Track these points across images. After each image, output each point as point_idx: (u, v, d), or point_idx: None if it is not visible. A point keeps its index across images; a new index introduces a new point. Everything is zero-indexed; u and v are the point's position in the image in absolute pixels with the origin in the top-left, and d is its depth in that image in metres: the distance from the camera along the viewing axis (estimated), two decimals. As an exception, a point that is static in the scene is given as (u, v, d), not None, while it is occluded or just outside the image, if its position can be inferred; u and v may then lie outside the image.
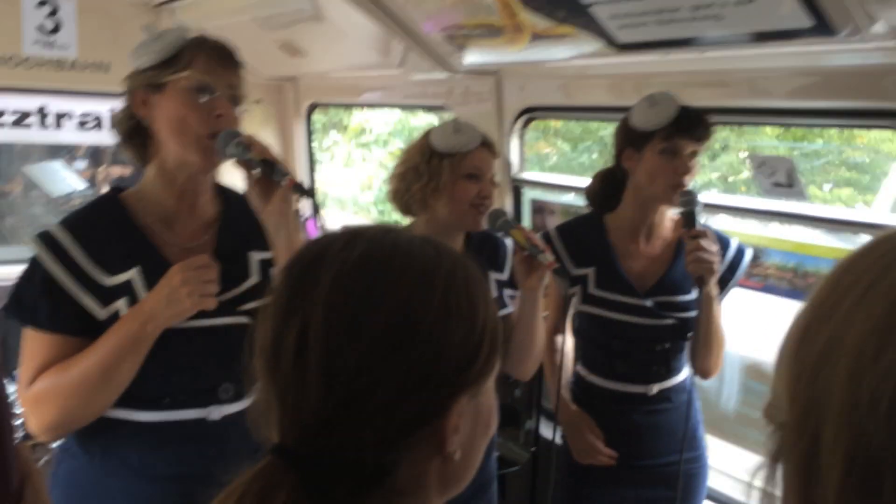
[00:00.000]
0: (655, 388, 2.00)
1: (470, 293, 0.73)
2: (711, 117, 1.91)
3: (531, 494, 2.64)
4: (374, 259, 0.71)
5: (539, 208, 2.90)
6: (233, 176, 1.53)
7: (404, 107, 3.66)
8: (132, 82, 1.48)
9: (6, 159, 4.79)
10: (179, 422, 1.44)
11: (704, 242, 1.82)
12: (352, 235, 0.73)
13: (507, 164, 2.82)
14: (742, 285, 2.26)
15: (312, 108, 3.90)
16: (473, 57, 2.57)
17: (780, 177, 1.93)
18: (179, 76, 1.43)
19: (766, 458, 0.53)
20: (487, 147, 1.86)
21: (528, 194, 2.92)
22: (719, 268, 1.86)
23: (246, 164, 1.45)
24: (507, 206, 2.88)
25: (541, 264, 1.74)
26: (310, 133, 3.95)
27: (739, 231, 2.28)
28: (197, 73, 1.43)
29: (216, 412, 1.47)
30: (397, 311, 0.69)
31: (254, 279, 1.54)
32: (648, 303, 1.96)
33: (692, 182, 1.91)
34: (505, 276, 1.93)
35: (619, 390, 2.03)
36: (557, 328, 2.13)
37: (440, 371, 0.69)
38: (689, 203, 1.87)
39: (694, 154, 1.90)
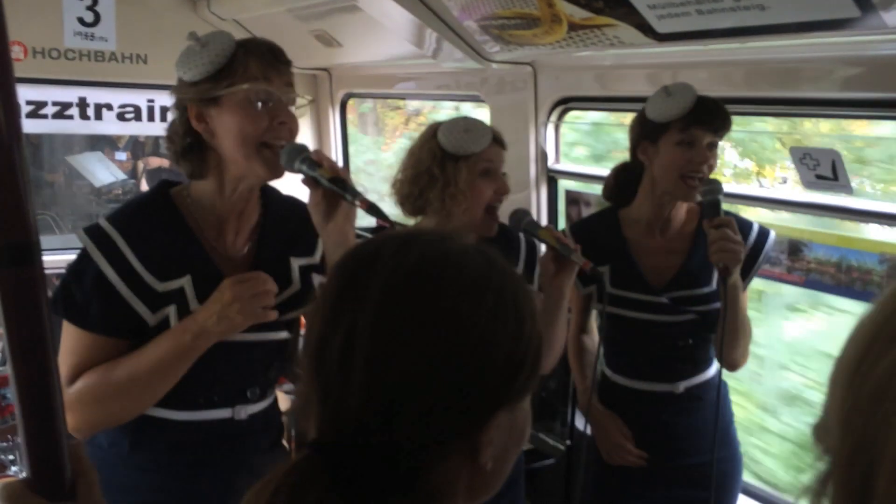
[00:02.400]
0: (682, 387, 1.96)
1: (518, 308, 0.72)
2: (751, 108, 1.86)
3: (566, 488, 2.62)
4: (426, 267, 0.70)
5: (574, 199, 2.87)
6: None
7: (439, 98, 3.64)
8: (183, 95, 1.42)
9: (49, 150, 4.89)
10: (209, 421, 1.48)
11: (728, 231, 1.77)
12: (405, 240, 0.73)
13: (543, 156, 2.79)
14: (783, 279, 2.21)
15: (347, 99, 3.90)
16: (509, 47, 2.54)
17: (825, 169, 1.88)
18: (236, 89, 1.38)
19: (814, 482, 0.50)
20: (497, 141, 1.83)
21: (563, 185, 2.89)
22: (742, 257, 1.80)
23: (313, 182, 1.40)
24: (542, 197, 2.86)
25: (571, 263, 1.71)
26: (344, 124, 3.96)
27: (778, 223, 2.23)
28: (253, 84, 1.38)
29: (243, 412, 1.51)
30: (446, 322, 0.68)
31: (295, 287, 1.53)
32: (664, 299, 1.92)
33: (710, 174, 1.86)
34: (518, 270, 1.90)
35: (645, 390, 2.00)
36: (582, 328, 2.11)
37: (484, 383, 0.69)
38: (711, 192, 1.82)
39: (712, 146, 1.85)
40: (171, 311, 1.40)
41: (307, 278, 1.55)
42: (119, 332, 1.39)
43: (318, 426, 0.71)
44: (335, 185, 1.37)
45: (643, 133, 1.91)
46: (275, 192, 1.58)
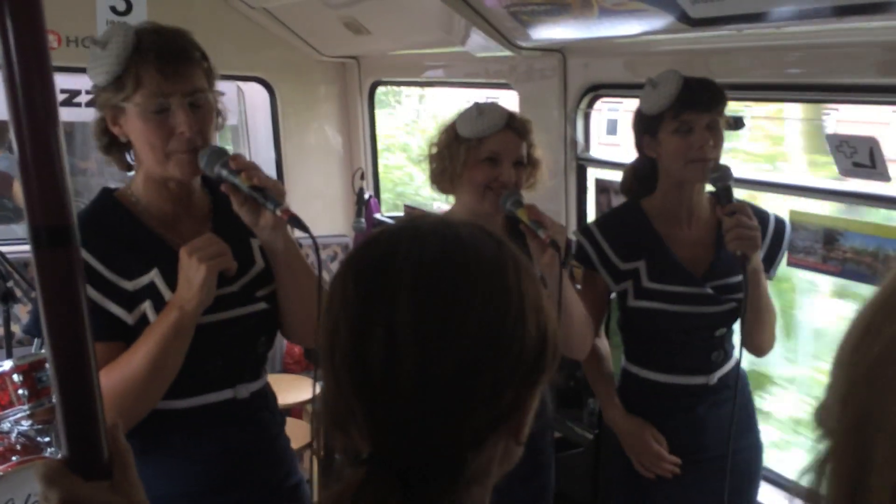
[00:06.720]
0: (716, 377, 1.93)
1: (532, 276, 0.72)
2: (784, 95, 1.82)
3: (593, 477, 2.62)
4: (448, 254, 0.69)
5: (604, 188, 2.85)
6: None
7: (467, 85, 3.63)
8: (97, 100, 1.43)
9: (82, 138, 4.96)
10: (213, 403, 1.50)
11: (743, 218, 1.74)
12: (414, 233, 0.71)
13: (573, 144, 2.77)
14: (818, 269, 2.18)
15: (375, 87, 3.90)
16: (538, 34, 2.52)
17: (862, 157, 1.85)
18: (132, 102, 1.37)
19: (813, 465, 0.49)
20: (512, 129, 1.79)
21: (593, 174, 2.87)
22: (761, 242, 1.77)
23: (234, 189, 1.38)
24: (571, 185, 2.84)
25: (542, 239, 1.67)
26: (372, 112, 3.96)
27: (813, 212, 2.19)
28: (145, 98, 1.36)
29: (244, 390, 1.53)
30: (486, 309, 0.68)
31: (260, 264, 1.54)
32: (708, 289, 1.88)
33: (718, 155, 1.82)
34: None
35: (680, 384, 1.94)
36: (597, 332, 2.02)
37: (526, 358, 0.69)
38: (721, 178, 1.79)
39: (711, 126, 1.80)
40: (147, 306, 1.41)
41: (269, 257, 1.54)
42: (105, 336, 1.38)
43: (370, 436, 0.69)
44: (256, 193, 1.36)
45: (642, 128, 1.90)
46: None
